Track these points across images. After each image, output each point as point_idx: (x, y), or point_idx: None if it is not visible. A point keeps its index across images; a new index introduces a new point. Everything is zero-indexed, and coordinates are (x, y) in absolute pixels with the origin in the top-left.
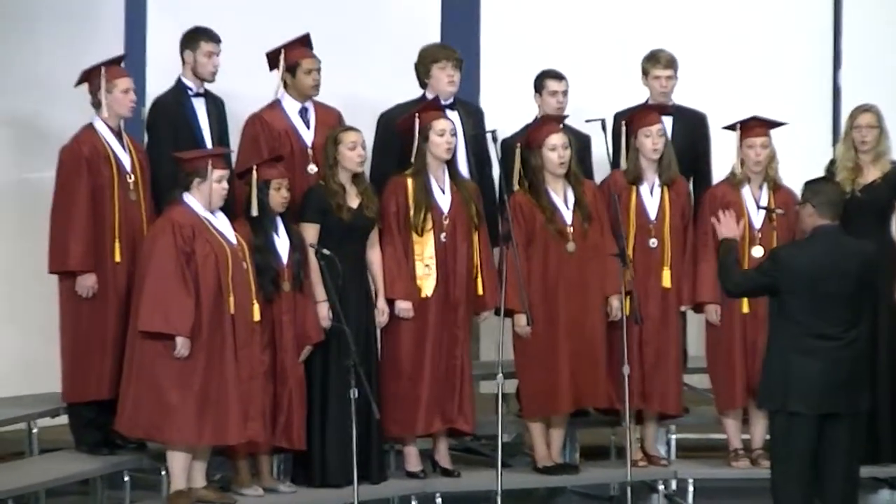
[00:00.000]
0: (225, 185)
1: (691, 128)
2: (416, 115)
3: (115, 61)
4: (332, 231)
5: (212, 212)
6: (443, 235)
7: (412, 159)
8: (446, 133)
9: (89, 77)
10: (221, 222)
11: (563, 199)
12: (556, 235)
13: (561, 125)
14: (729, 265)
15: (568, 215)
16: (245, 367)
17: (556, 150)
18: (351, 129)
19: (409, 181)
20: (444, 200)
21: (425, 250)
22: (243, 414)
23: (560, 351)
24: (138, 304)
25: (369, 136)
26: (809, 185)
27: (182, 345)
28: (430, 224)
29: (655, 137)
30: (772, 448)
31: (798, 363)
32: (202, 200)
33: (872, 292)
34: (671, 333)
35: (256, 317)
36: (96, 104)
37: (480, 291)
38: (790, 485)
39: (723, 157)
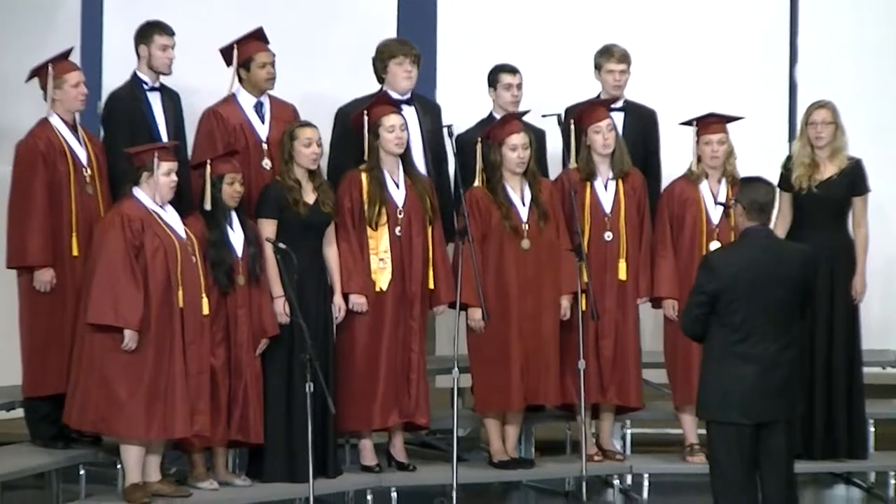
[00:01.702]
0: (173, 177)
1: (642, 124)
2: (366, 111)
3: (62, 56)
4: (289, 226)
5: (161, 205)
6: (397, 229)
7: (365, 155)
8: (396, 129)
9: (39, 73)
10: (171, 216)
11: (519, 197)
12: (511, 232)
13: (520, 121)
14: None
15: (524, 212)
16: (194, 362)
17: (516, 149)
18: (307, 124)
19: (364, 176)
20: (398, 195)
21: (380, 244)
22: (190, 408)
23: (512, 348)
24: (87, 297)
25: (327, 132)
26: (742, 183)
27: (130, 338)
28: (384, 218)
29: (605, 133)
30: (710, 455)
31: (735, 371)
32: (151, 194)
33: (813, 294)
34: (629, 326)
35: (206, 311)
36: (48, 99)
37: (432, 285)
38: (730, 490)
39: (676, 152)
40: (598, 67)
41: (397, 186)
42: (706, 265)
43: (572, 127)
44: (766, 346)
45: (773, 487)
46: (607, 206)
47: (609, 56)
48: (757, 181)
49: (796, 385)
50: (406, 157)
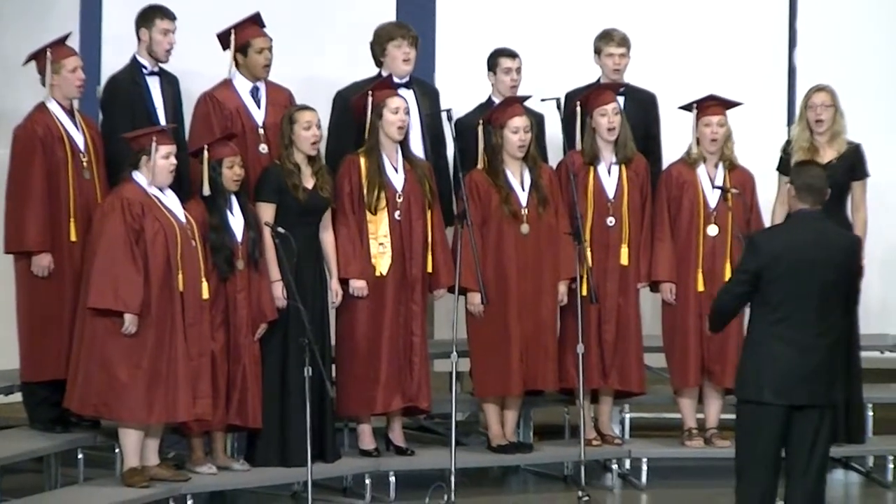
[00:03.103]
0: (172, 160)
1: (642, 108)
2: (370, 92)
3: (60, 41)
4: (287, 211)
5: (161, 189)
6: (397, 213)
7: (366, 135)
8: (400, 111)
9: (37, 58)
10: (170, 200)
11: (519, 181)
12: (510, 217)
13: (521, 104)
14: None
15: (523, 197)
16: (194, 345)
17: (517, 132)
18: (306, 108)
19: (362, 160)
20: (397, 179)
21: (379, 229)
22: (192, 391)
23: (511, 332)
24: (88, 281)
25: (326, 117)
26: (795, 166)
27: (130, 321)
28: (383, 203)
29: (611, 116)
30: (738, 434)
31: (774, 352)
32: (150, 178)
33: (855, 281)
34: (631, 311)
35: (205, 295)
36: (46, 84)
37: (430, 269)
38: (755, 472)
39: (675, 137)
40: (597, 51)
41: (396, 171)
42: (750, 244)
43: (578, 111)
44: (804, 330)
45: (796, 474)
46: (610, 191)
47: (609, 40)
48: (809, 164)
49: (833, 372)
50: (404, 141)
